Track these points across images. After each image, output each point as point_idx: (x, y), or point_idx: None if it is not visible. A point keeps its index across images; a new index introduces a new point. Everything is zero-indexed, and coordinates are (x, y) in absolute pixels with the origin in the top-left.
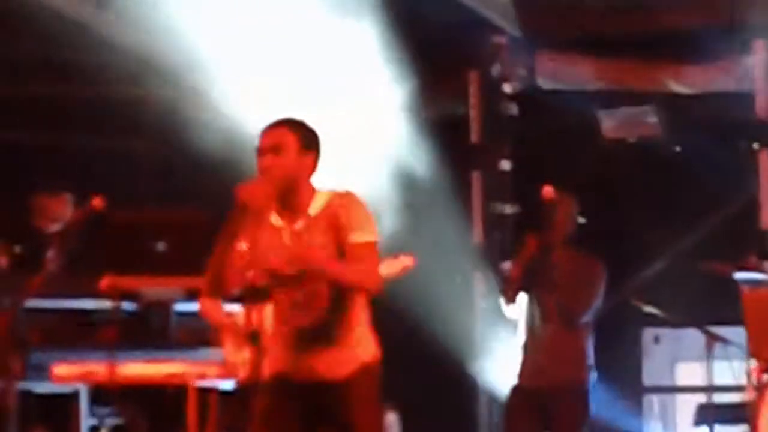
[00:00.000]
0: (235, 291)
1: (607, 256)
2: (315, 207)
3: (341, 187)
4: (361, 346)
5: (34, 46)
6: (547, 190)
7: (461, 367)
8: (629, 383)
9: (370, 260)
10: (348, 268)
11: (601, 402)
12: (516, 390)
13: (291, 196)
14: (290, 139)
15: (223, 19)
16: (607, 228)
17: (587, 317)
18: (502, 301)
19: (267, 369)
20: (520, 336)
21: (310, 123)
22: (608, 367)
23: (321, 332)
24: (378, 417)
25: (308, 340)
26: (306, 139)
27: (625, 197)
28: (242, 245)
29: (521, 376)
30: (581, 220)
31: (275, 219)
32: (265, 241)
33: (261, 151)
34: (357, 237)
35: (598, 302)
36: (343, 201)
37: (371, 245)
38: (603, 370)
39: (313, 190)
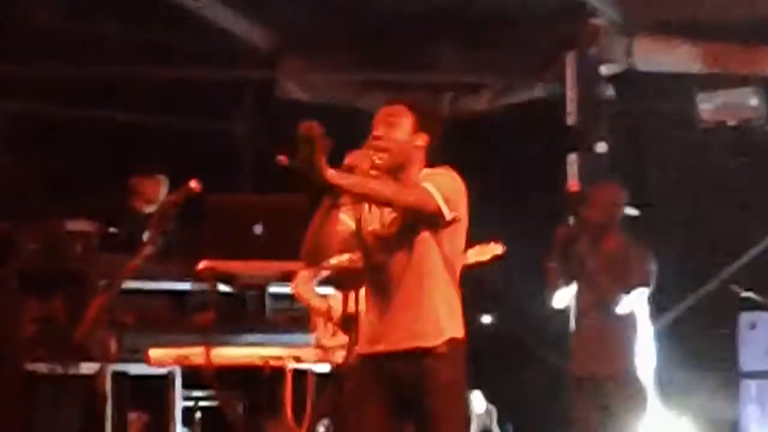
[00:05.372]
0: (331, 270)
1: (704, 240)
2: None
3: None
4: (449, 320)
5: (134, 29)
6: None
7: (555, 352)
8: (726, 369)
9: (422, 190)
10: (386, 186)
11: (697, 387)
12: (572, 379)
13: (401, 175)
14: (406, 115)
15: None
16: (705, 212)
17: (627, 304)
18: (546, 294)
19: (356, 349)
20: (571, 325)
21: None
22: (704, 352)
23: (407, 306)
24: (461, 398)
25: (394, 313)
26: (423, 119)
27: (723, 181)
28: (344, 217)
29: (573, 364)
30: (632, 211)
31: None
32: (365, 223)
33: (376, 122)
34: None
35: (642, 288)
36: (435, 174)
37: (430, 191)
38: (699, 356)
39: (421, 173)
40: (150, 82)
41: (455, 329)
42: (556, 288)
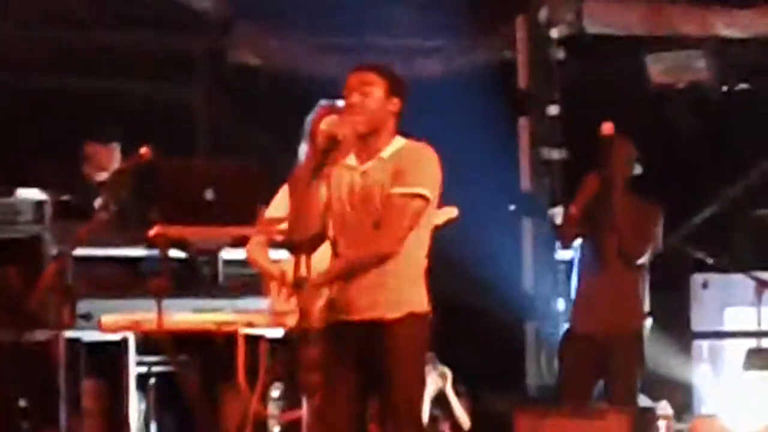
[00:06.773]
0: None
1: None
2: (388, 151)
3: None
4: (411, 294)
5: None
6: (607, 126)
7: (509, 314)
8: (678, 329)
9: (395, 217)
10: (355, 258)
11: (651, 348)
12: (570, 335)
13: (371, 139)
14: (379, 82)
15: None
16: (656, 174)
17: (645, 259)
18: (557, 244)
19: (318, 314)
20: (574, 280)
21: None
22: (657, 312)
23: (372, 278)
24: (419, 370)
25: (358, 283)
26: (394, 85)
27: (673, 142)
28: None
29: (575, 321)
30: (638, 168)
31: (352, 160)
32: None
33: (348, 89)
34: (399, 188)
35: (656, 245)
36: (414, 152)
37: (407, 199)
38: (652, 316)
39: (392, 137)
40: (103, 48)
41: (417, 303)
42: (572, 237)
